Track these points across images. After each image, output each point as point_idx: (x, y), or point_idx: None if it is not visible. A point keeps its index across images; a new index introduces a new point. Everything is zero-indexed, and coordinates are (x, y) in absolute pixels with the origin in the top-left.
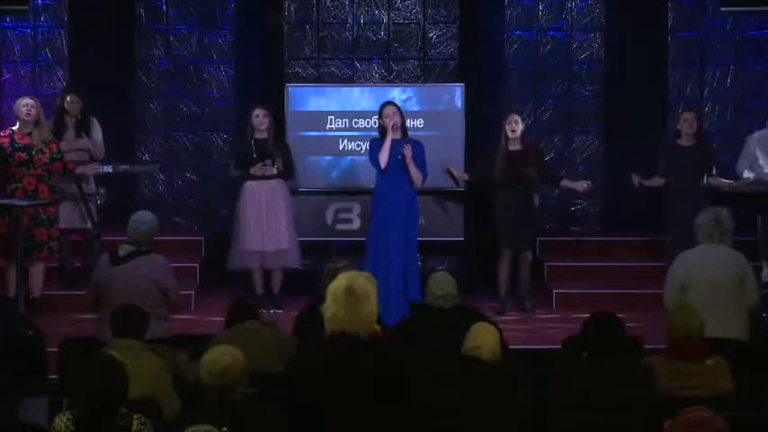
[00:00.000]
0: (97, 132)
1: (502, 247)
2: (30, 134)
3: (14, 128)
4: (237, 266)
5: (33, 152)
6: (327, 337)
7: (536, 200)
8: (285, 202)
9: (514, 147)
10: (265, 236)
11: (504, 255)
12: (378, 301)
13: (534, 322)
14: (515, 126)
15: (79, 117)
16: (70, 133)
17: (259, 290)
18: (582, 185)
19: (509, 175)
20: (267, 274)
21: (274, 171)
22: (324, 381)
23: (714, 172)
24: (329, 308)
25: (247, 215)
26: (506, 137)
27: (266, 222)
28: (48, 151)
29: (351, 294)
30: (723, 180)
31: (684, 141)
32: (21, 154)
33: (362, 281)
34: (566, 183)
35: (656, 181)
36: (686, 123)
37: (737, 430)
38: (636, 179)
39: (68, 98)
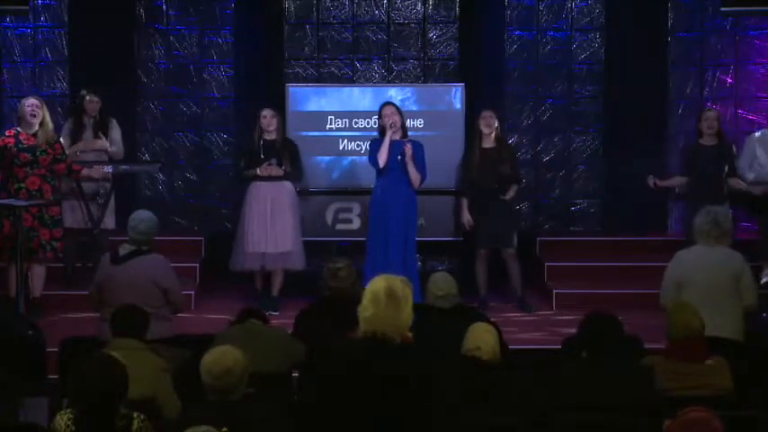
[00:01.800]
0: (116, 133)
1: (476, 247)
2: (35, 135)
3: (19, 128)
4: (239, 268)
5: (38, 153)
6: (361, 337)
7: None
8: (291, 203)
9: (488, 144)
10: (269, 237)
11: (479, 254)
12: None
13: (534, 322)
14: (490, 120)
15: (98, 117)
16: (88, 134)
17: (259, 285)
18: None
19: (485, 173)
20: (269, 274)
21: (281, 172)
22: (356, 381)
23: (734, 171)
24: (367, 309)
25: (252, 215)
26: (480, 134)
27: (270, 223)
28: (52, 152)
29: (391, 296)
30: (741, 180)
31: (706, 141)
32: (26, 154)
33: (401, 284)
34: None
35: (676, 180)
36: (706, 123)
37: (737, 430)
38: (651, 180)
39: (88, 98)
